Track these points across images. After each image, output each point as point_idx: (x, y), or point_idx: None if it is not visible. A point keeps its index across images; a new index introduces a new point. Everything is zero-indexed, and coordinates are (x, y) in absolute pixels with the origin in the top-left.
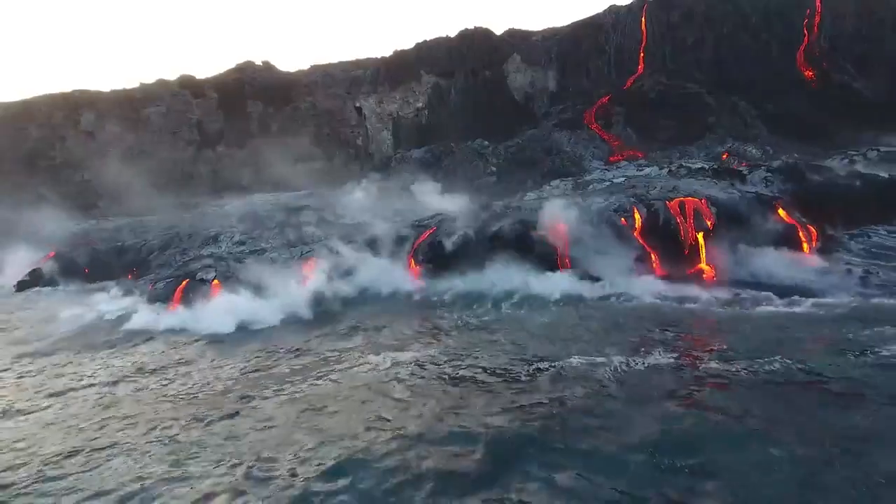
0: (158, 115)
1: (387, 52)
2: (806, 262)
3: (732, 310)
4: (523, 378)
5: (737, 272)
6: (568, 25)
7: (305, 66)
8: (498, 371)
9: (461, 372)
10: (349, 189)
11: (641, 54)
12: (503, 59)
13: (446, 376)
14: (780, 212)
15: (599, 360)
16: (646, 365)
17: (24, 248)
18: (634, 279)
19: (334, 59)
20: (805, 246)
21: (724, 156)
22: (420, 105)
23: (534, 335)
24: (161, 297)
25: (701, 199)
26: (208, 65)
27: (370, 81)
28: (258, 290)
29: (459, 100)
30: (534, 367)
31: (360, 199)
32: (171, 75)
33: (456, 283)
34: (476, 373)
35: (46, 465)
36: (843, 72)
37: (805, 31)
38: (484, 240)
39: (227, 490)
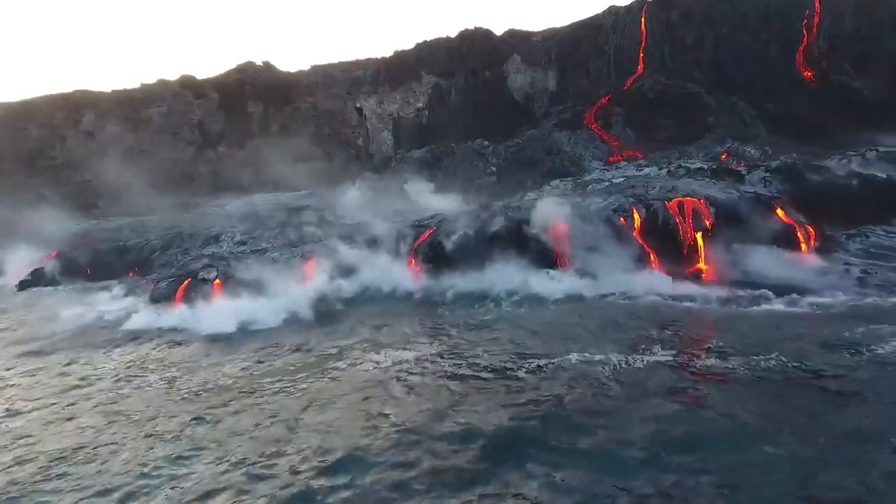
0: (159, 116)
1: (387, 53)
2: (804, 262)
3: (730, 308)
4: (523, 376)
5: (735, 272)
6: (568, 26)
7: (306, 66)
8: (498, 369)
9: (461, 370)
10: (344, 189)
11: (641, 55)
12: (503, 60)
13: (447, 374)
14: (779, 212)
15: (598, 358)
16: (644, 363)
17: (25, 248)
18: (633, 278)
19: (335, 60)
20: (803, 246)
21: (724, 156)
22: (420, 105)
23: (534, 334)
24: (163, 297)
25: (700, 200)
26: (209, 65)
27: (370, 82)
28: (259, 289)
29: (460, 100)
30: (533, 365)
31: (354, 198)
32: (172, 76)
33: (456, 283)
34: (476, 371)
35: (51, 462)
36: (842, 72)
37: (804, 31)
38: (484, 239)
39: (229, 487)
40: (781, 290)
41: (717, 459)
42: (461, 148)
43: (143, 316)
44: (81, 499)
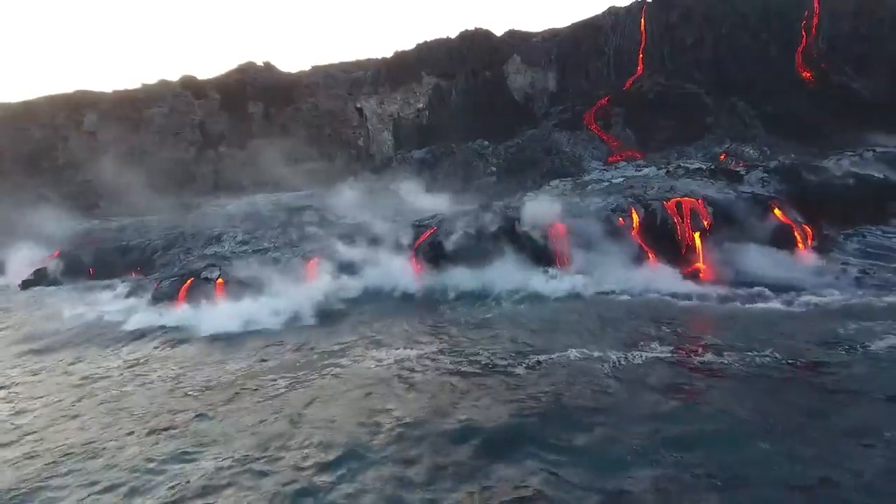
0: (160, 116)
1: (387, 53)
2: (801, 262)
3: (728, 306)
4: (523, 373)
5: (732, 271)
6: (568, 27)
7: (307, 66)
8: (498, 366)
9: (462, 367)
10: (338, 189)
11: (640, 55)
12: (503, 60)
13: (448, 371)
14: (776, 212)
15: (597, 355)
16: (643, 360)
17: (27, 248)
18: (632, 276)
19: (335, 60)
20: (800, 245)
21: (722, 156)
22: (421, 106)
23: (533, 331)
24: (166, 296)
25: (698, 200)
26: (210, 65)
27: (371, 82)
28: (261, 289)
29: (460, 100)
30: (533, 361)
31: (350, 198)
32: (173, 76)
33: (457, 282)
34: (476, 368)
35: (58, 458)
36: (841, 72)
37: (803, 32)
38: (484, 239)
39: (233, 482)
40: (778, 288)
41: (714, 455)
42: (461, 148)
43: (146, 315)
44: (88, 494)
